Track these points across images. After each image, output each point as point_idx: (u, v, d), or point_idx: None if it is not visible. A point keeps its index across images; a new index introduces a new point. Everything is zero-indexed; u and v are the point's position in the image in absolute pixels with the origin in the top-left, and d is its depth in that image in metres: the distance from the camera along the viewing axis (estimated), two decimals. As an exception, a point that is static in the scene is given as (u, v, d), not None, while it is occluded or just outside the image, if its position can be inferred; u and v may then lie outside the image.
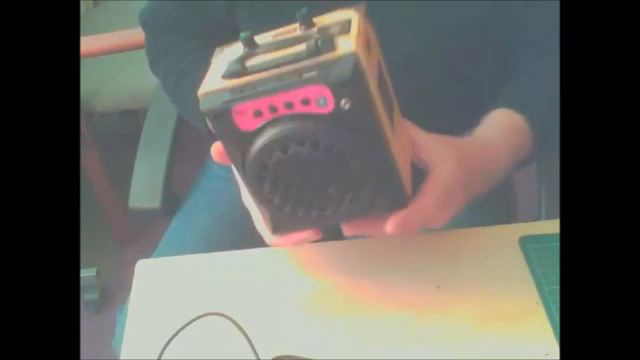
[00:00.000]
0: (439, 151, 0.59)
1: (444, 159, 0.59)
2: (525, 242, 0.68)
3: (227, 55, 0.57)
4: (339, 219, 0.58)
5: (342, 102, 0.51)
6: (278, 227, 0.60)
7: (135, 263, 0.72)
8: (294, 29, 0.56)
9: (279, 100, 0.52)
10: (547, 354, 0.59)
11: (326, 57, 0.51)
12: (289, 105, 0.52)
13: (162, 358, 0.61)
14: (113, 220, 1.73)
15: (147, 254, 0.82)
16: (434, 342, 0.61)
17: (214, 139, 0.70)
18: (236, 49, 0.57)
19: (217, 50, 0.59)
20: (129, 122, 1.92)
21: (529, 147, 0.68)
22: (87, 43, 1.33)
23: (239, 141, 0.54)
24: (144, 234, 1.71)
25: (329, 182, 0.55)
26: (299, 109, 0.52)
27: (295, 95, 0.51)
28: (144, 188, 0.95)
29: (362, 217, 0.58)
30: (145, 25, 0.88)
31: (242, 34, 0.55)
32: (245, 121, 0.53)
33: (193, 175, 1.01)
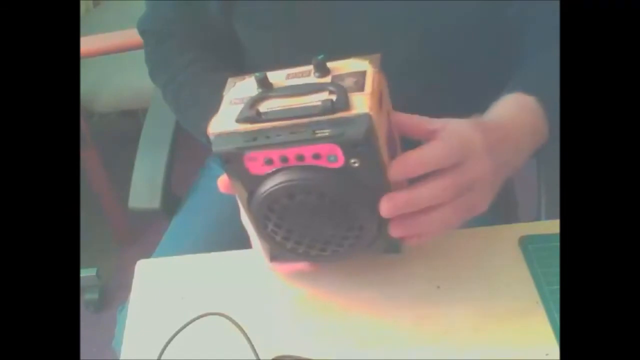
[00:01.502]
0: (455, 121, 0.58)
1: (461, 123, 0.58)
2: (525, 242, 0.68)
3: (239, 90, 0.58)
4: (337, 259, 0.61)
5: (352, 160, 0.53)
6: (276, 257, 0.63)
7: (135, 263, 0.72)
8: (308, 72, 0.57)
9: (290, 152, 0.53)
10: (547, 354, 0.59)
11: (340, 115, 0.52)
12: (300, 158, 0.53)
13: (162, 358, 0.61)
14: (113, 220, 1.73)
15: (147, 254, 0.82)
16: (434, 342, 0.61)
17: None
18: (249, 85, 0.58)
19: (230, 81, 0.60)
20: (129, 122, 1.92)
21: (545, 129, 0.66)
22: (87, 43, 1.33)
23: (247, 182, 0.56)
24: (144, 234, 1.71)
25: (331, 227, 0.57)
26: (310, 161, 0.53)
27: (307, 150, 0.53)
28: (144, 188, 0.95)
29: (357, 257, 0.61)
30: (144, 34, 0.87)
31: (257, 74, 0.56)
32: (255, 166, 0.55)
33: (193, 175, 1.01)
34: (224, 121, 0.55)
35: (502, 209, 0.92)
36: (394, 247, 0.61)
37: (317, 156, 0.53)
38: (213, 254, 0.73)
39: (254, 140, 0.53)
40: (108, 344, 0.87)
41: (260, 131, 0.53)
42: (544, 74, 0.70)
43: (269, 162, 0.54)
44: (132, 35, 1.27)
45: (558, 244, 0.50)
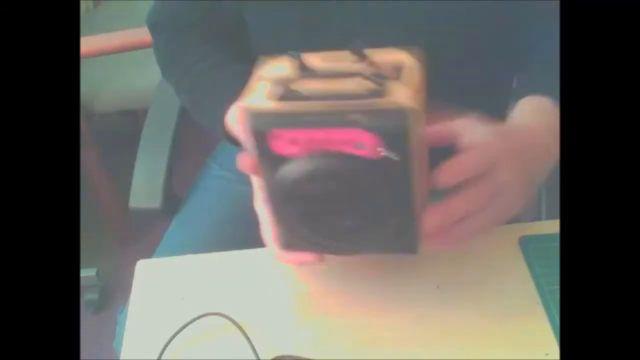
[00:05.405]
0: (477, 126, 0.58)
1: (483, 131, 0.58)
2: (525, 242, 0.68)
3: (272, 68, 0.57)
4: (350, 252, 0.60)
5: (380, 150, 0.51)
6: (288, 244, 0.61)
7: (135, 263, 0.72)
8: (344, 57, 0.55)
9: (318, 134, 0.52)
10: (547, 354, 0.59)
11: (376, 103, 0.50)
12: (327, 142, 0.52)
13: (162, 358, 0.61)
14: (113, 220, 1.73)
15: (147, 254, 0.82)
16: (434, 342, 0.61)
17: (235, 144, 0.69)
18: (282, 65, 0.56)
19: (261, 60, 0.58)
20: (129, 122, 1.92)
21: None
22: (87, 43, 1.33)
23: (269, 160, 0.54)
24: (144, 234, 1.71)
25: (349, 216, 0.55)
26: (336, 146, 0.52)
27: (336, 134, 0.51)
28: (144, 188, 0.95)
29: (371, 253, 0.60)
30: (154, 27, 0.86)
31: (292, 52, 0.54)
32: (279, 145, 0.53)
33: (193, 175, 1.01)
34: (253, 97, 0.54)
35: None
36: (412, 247, 0.59)
37: (344, 142, 0.51)
38: (213, 254, 0.73)
39: (281, 118, 0.52)
40: (108, 344, 0.87)
41: (289, 110, 0.52)
42: (550, 72, 0.69)
43: (294, 141, 0.52)
44: (132, 35, 1.28)
45: (558, 244, 0.50)
